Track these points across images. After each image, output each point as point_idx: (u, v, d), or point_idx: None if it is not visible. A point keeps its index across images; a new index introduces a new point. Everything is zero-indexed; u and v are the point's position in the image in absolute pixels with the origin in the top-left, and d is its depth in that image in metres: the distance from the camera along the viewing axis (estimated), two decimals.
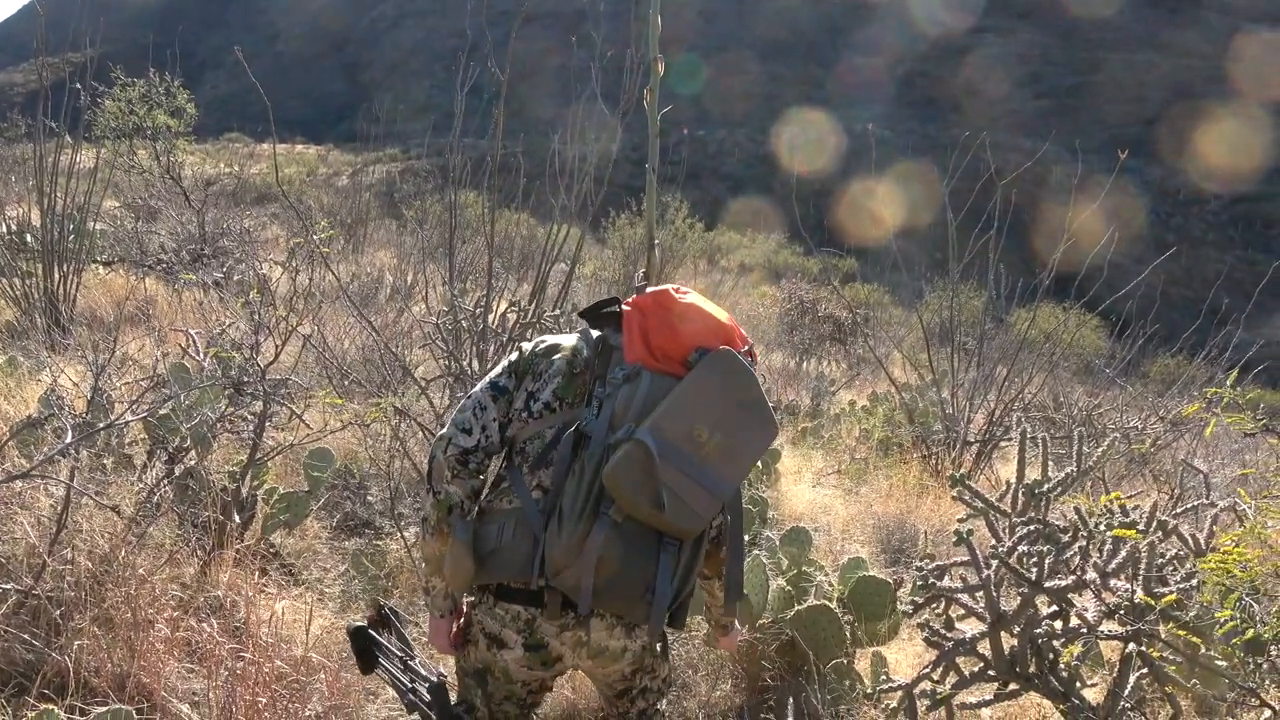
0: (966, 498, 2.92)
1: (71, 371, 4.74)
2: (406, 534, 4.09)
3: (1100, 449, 2.94)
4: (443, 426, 2.07)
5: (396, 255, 12.04)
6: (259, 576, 3.47)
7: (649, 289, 2.03)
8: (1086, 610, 2.48)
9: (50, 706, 2.28)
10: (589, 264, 14.34)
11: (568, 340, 2.06)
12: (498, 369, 2.07)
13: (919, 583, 2.55)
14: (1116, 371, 9.84)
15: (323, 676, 2.90)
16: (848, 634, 3.34)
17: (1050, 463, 2.91)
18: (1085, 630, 2.35)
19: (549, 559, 1.84)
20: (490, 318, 5.49)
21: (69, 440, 2.73)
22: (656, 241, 4.62)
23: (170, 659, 2.88)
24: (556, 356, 2.02)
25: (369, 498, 4.97)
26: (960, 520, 3.02)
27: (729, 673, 3.43)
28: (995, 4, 53.63)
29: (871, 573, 3.61)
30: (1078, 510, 2.42)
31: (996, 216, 7.07)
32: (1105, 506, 2.44)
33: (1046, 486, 2.73)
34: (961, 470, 6.78)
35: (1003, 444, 7.52)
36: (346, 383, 5.73)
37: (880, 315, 16.23)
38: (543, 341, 2.07)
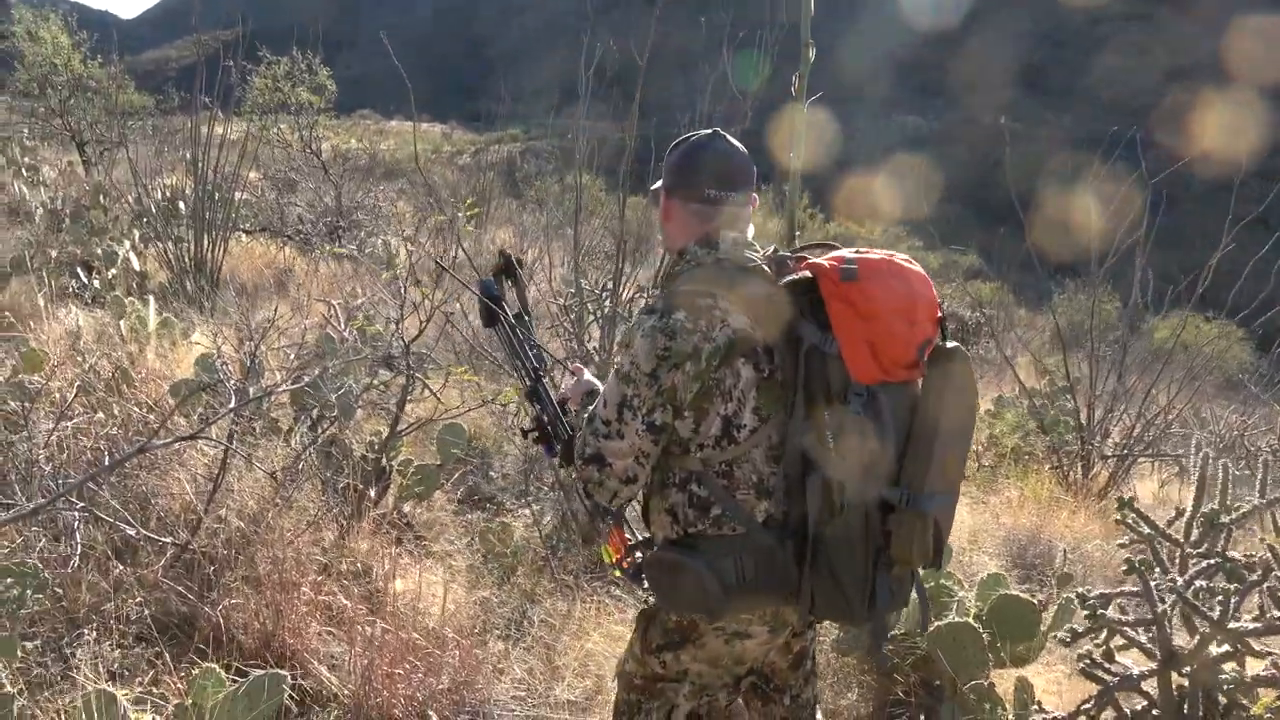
0: (1131, 521, 2.73)
1: (220, 336, 4.97)
2: (530, 510, 4.12)
3: None
4: (601, 444, 1.83)
5: (516, 233, 12.21)
6: (394, 546, 3.56)
7: (826, 259, 1.80)
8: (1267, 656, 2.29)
9: (213, 665, 2.37)
10: None
11: (735, 331, 1.78)
12: (643, 396, 1.78)
13: (1084, 611, 2.39)
14: (1262, 388, 9.15)
15: (456, 652, 2.93)
16: (989, 655, 3.18)
17: (1231, 489, 2.69)
18: (1273, 680, 2.16)
19: (822, 605, 1.82)
20: (617, 299, 5.51)
21: (233, 404, 2.84)
22: (797, 234, 4.52)
23: (312, 621, 2.97)
24: (741, 365, 1.79)
25: (491, 473, 5.05)
26: (1122, 545, 2.84)
27: (856, 682, 3.32)
28: None
29: (1013, 590, 3.43)
30: (1272, 548, 2.21)
31: (1145, 211, 6.64)
32: None
33: (1229, 518, 2.52)
34: (1100, 487, 6.44)
35: (1140, 460, 7.07)
36: (473, 359, 5.83)
37: (1004, 315, 15.56)
38: (708, 340, 1.76)
